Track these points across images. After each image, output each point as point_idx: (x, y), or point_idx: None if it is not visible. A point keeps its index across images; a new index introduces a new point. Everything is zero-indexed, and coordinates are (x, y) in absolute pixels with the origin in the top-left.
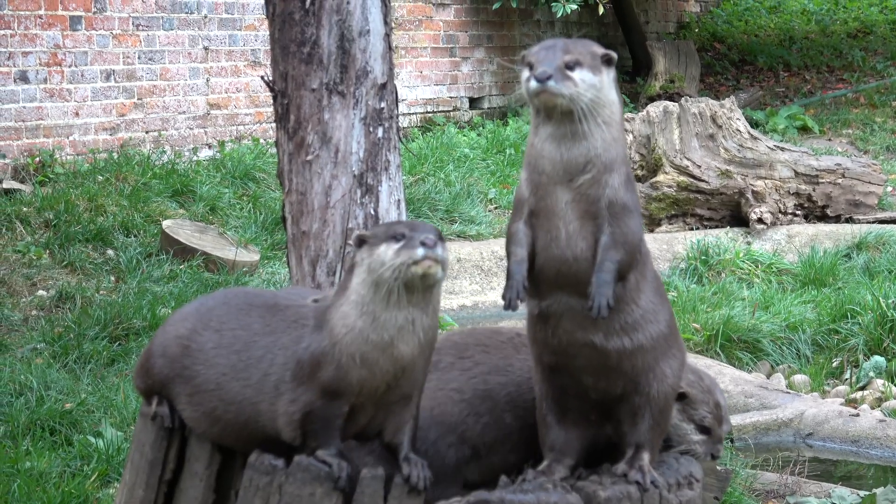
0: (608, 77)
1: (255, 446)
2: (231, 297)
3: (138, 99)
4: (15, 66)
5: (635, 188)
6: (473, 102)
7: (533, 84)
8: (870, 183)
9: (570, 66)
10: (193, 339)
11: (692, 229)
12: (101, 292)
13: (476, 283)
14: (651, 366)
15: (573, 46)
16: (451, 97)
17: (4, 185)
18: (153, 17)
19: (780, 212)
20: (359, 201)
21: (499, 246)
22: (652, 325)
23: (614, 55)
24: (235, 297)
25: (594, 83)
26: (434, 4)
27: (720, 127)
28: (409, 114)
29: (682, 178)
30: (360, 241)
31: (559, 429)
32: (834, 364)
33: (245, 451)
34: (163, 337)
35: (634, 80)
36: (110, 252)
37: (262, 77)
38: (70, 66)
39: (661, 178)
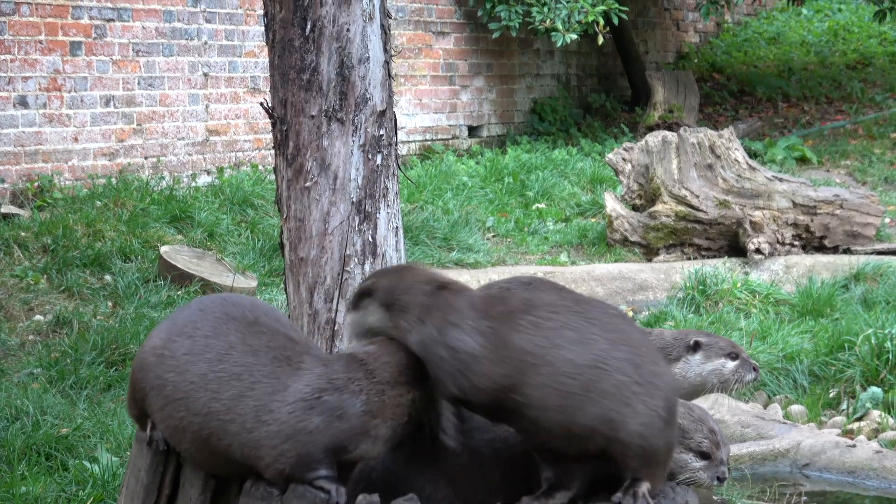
0: None
1: (218, 469)
2: (207, 305)
3: (137, 125)
4: (15, 91)
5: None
6: (472, 131)
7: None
8: (868, 214)
9: None
10: (167, 346)
11: (690, 259)
12: (99, 317)
13: None
14: (612, 415)
15: None
16: (450, 125)
17: (3, 210)
18: (153, 44)
19: (777, 242)
20: (357, 228)
21: (496, 274)
22: None
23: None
24: (212, 305)
25: None
26: (434, 33)
27: (719, 157)
28: (408, 141)
29: (680, 207)
30: None
31: (555, 468)
32: (831, 395)
33: (212, 471)
34: (141, 352)
35: (633, 109)
36: (108, 277)
37: (262, 103)
38: (70, 92)
39: (659, 207)
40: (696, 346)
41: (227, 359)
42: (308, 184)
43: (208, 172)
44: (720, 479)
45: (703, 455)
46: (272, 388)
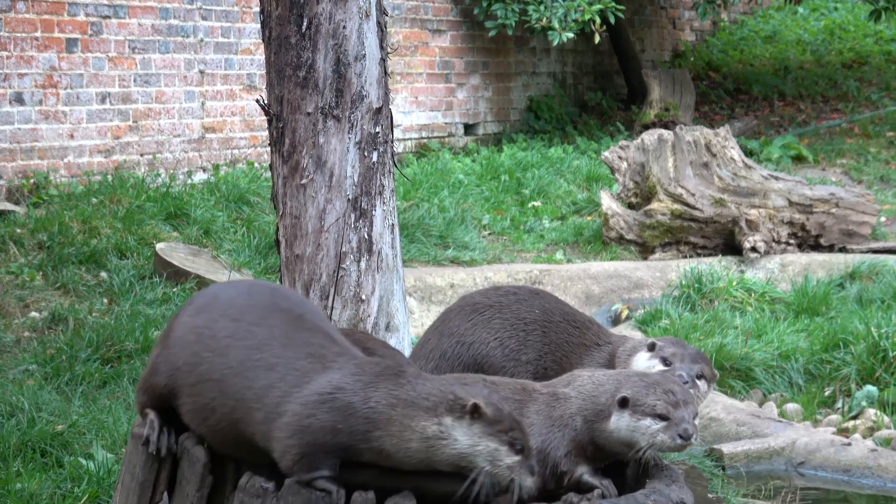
0: None
1: (241, 454)
2: (257, 292)
3: (133, 122)
4: (10, 88)
5: None
6: (468, 128)
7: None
8: (863, 213)
9: None
10: (210, 325)
11: (686, 257)
12: (94, 314)
13: None
14: None
15: None
16: (446, 123)
17: None
18: (149, 41)
19: (773, 241)
20: (353, 225)
21: (492, 272)
22: None
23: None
24: (262, 293)
25: None
26: (430, 30)
27: (714, 155)
28: (404, 139)
29: (675, 206)
30: None
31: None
32: (826, 393)
33: (230, 454)
34: (177, 326)
35: (629, 107)
36: (103, 274)
37: (258, 100)
38: (66, 89)
39: (655, 205)
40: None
41: (267, 349)
42: (304, 181)
43: (204, 169)
44: (683, 437)
45: (661, 417)
46: (297, 381)
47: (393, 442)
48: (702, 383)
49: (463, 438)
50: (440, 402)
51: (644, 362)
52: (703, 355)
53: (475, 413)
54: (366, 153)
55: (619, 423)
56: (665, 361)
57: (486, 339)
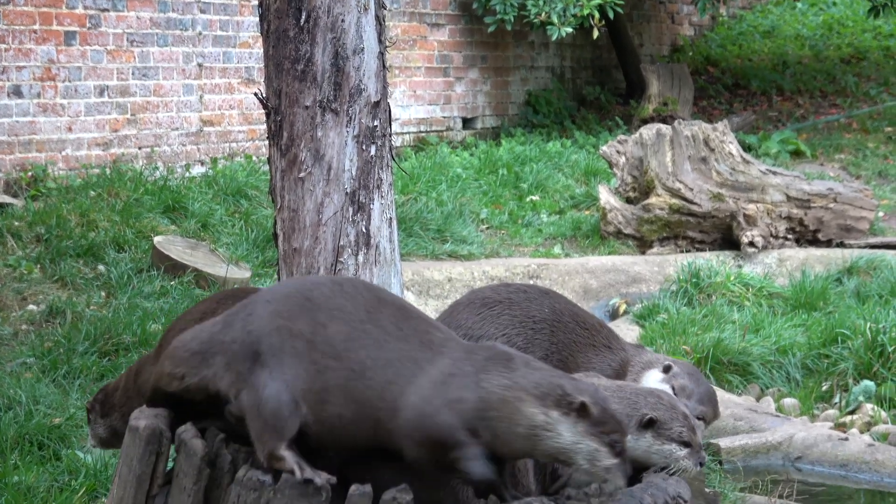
0: None
1: (359, 452)
2: (351, 288)
3: (131, 115)
4: (8, 81)
5: None
6: (467, 123)
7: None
8: (861, 208)
9: None
10: (318, 332)
11: (683, 252)
12: (92, 307)
13: None
14: None
15: None
16: (444, 117)
17: None
18: (147, 34)
19: (771, 235)
20: (350, 219)
21: (490, 266)
22: None
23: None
24: (357, 289)
25: None
26: (429, 24)
27: (713, 150)
28: (403, 133)
29: (674, 200)
30: None
31: None
32: (823, 388)
33: (350, 455)
34: (265, 333)
35: (628, 102)
36: (101, 267)
37: (256, 94)
38: (64, 81)
39: (653, 200)
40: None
41: (385, 345)
42: (302, 174)
43: (202, 163)
44: (702, 464)
45: (685, 444)
46: (412, 373)
47: (504, 425)
48: (700, 424)
49: (567, 434)
50: (549, 394)
51: (655, 383)
52: (712, 396)
53: (582, 412)
54: (364, 147)
55: (638, 443)
56: (674, 391)
57: (493, 333)
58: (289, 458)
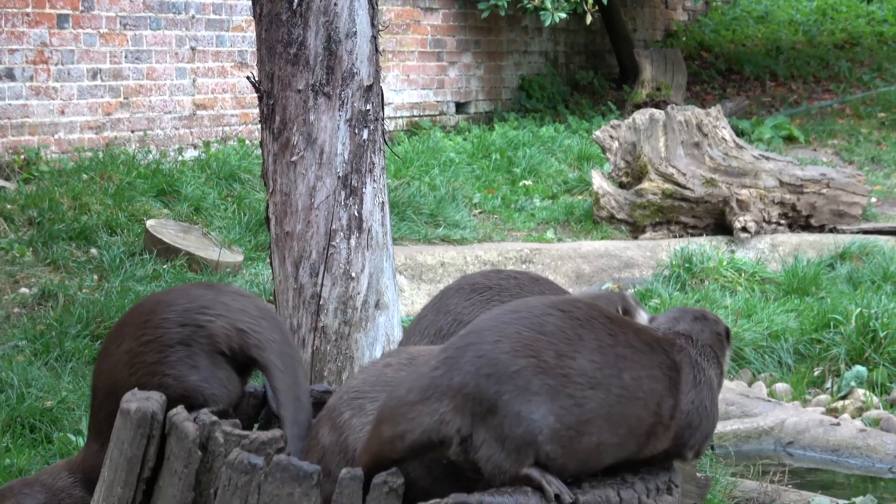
0: None
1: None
2: (572, 311)
3: (124, 98)
4: (1, 64)
5: None
6: (460, 107)
7: None
8: (854, 193)
9: None
10: (565, 363)
11: (676, 237)
12: (84, 290)
13: None
14: None
15: None
16: (437, 101)
17: None
18: (140, 17)
19: (764, 221)
20: (343, 203)
21: (483, 251)
22: None
23: None
24: (578, 309)
25: None
26: (422, 8)
27: (706, 135)
28: (396, 117)
29: (666, 185)
30: None
31: None
32: (815, 373)
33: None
34: (509, 375)
35: (621, 87)
36: (94, 251)
37: (248, 77)
38: (57, 65)
39: (645, 185)
40: None
41: (630, 363)
42: (294, 158)
43: (195, 146)
44: None
45: None
46: (667, 383)
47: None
48: None
49: None
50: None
51: None
52: None
53: None
54: (356, 130)
55: None
56: None
57: None
58: (535, 474)
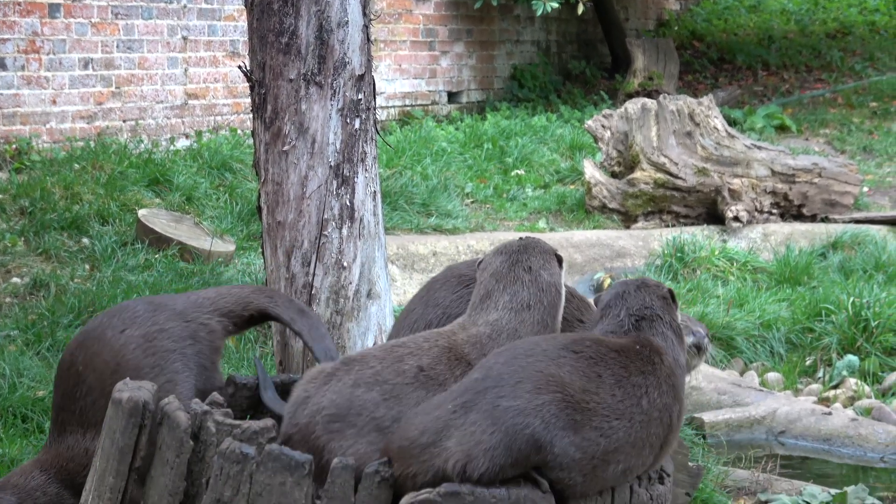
0: None
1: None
2: (582, 349)
3: (116, 88)
4: None
5: None
6: (452, 97)
7: None
8: (846, 183)
9: None
10: (590, 398)
11: (668, 226)
12: (76, 280)
13: None
14: None
15: None
16: (429, 91)
17: None
18: (132, 6)
19: (756, 210)
20: (335, 192)
21: (475, 240)
22: None
23: None
24: (582, 345)
25: None
26: None
27: (698, 125)
28: (387, 107)
29: (658, 175)
30: None
31: None
32: (807, 362)
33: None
34: (520, 402)
35: (613, 76)
36: (85, 240)
37: (240, 67)
38: (48, 54)
39: (638, 174)
40: None
41: (627, 380)
42: (286, 147)
43: (187, 136)
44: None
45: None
46: (666, 389)
47: None
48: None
49: None
50: None
51: None
52: None
53: None
54: (348, 120)
55: None
56: None
57: None
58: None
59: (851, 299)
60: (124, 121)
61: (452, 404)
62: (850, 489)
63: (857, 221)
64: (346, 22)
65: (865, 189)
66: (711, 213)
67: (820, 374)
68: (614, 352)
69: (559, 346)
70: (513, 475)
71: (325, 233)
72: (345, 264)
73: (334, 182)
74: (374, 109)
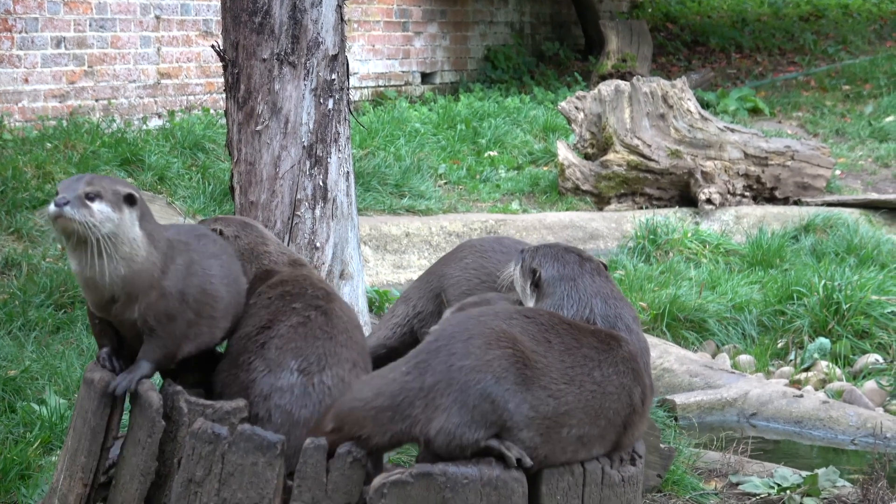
0: (129, 215)
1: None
2: (544, 321)
3: (88, 67)
4: None
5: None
6: (425, 77)
7: (51, 208)
8: (818, 166)
9: (91, 198)
10: (544, 363)
11: (641, 208)
12: (48, 260)
13: (424, 257)
14: None
15: (97, 181)
16: (403, 72)
17: None
18: None
19: (728, 193)
20: (308, 172)
21: (448, 221)
22: None
23: (137, 196)
24: (534, 313)
25: (112, 217)
26: None
27: (671, 107)
28: (361, 87)
29: (632, 157)
30: None
31: None
32: (779, 345)
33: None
34: (471, 357)
35: (587, 58)
36: None
37: (213, 46)
38: (20, 33)
39: (611, 156)
40: None
41: (594, 366)
42: (259, 127)
43: (159, 116)
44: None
45: None
46: (631, 370)
47: None
48: None
49: None
50: None
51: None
52: None
53: None
54: (321, 100)
55: None
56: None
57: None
58: (494, 443)
59: (823, 282)
60: (97, 100)
61: (406, 366)
62: (820, 471)
63: (830, 204)
64: (320, 2)
65: (838, 172)
66: (684, 195)
67: (791, 356)
68: (567, 324)
69: (512, 311)
70: (477, 439)
71: (298, 213)
72: (318, 245)
73: (307, 162)
74: (348, 90)
